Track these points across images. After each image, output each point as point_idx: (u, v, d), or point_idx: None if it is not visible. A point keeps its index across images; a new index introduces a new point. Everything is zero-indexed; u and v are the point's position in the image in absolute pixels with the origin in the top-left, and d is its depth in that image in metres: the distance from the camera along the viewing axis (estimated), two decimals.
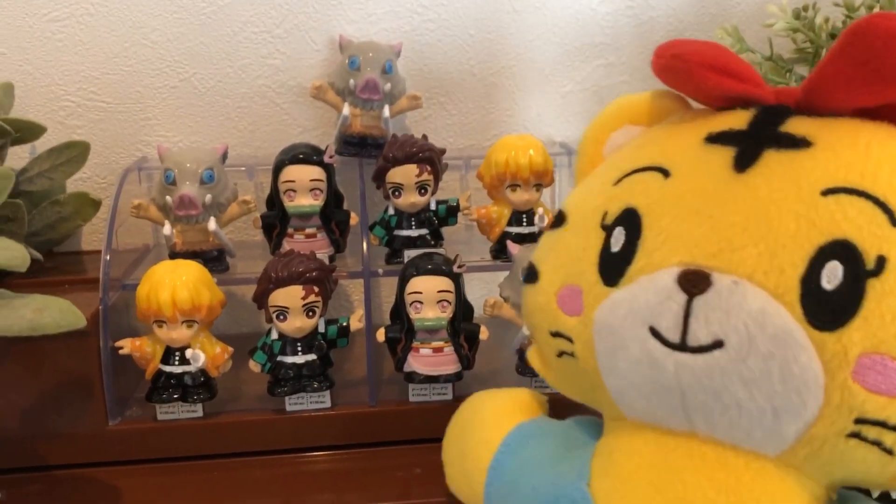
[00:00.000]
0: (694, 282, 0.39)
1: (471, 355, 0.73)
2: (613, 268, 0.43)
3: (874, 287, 0.37)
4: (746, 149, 0.41)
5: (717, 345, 0.38)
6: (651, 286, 0.40)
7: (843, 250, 0.37)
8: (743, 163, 0.41)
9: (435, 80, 0.89)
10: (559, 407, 0.57)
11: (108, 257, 0.71)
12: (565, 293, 0.45)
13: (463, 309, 0.72)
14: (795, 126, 0.42)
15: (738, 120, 0.44)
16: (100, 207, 0.80)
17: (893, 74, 0.38)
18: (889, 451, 0.39)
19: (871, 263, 0.37)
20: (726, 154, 0.42)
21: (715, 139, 0.43)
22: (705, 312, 0.39)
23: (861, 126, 0.41)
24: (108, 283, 0.70)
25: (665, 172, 0.43)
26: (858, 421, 0.38)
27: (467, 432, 0.57)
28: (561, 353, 0.47)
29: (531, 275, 0.49)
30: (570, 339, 0.45)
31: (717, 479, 0.41)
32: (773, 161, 0.40)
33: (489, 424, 0.55)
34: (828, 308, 0.37)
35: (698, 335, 0.39)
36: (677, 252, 0.40)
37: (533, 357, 0.52)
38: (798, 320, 0.37)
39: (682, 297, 0.39)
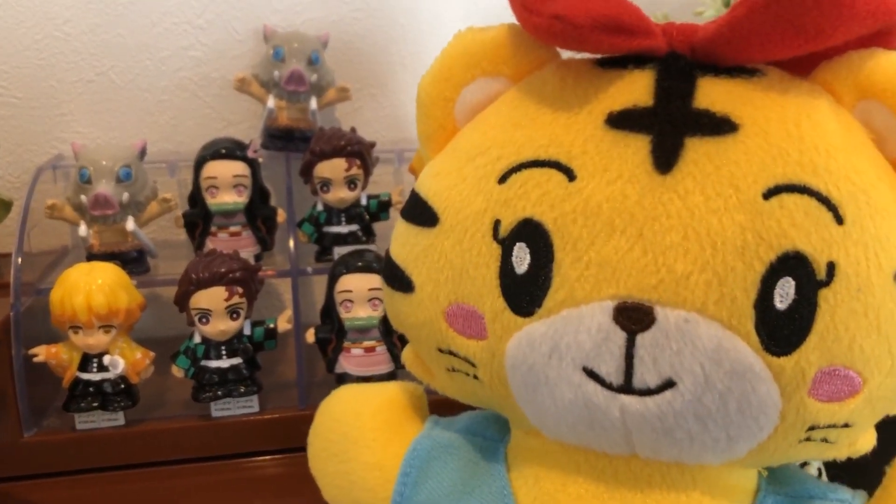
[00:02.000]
0: (634, 318, 0.34)
1: None
2: (523, 294, 0.37)
3: (826, 299, 0.34)
4: (663, 138, 0.36)
5: (668, 385, 0.35)
6: (581, 324, 0.35)
7: (794, 263, 0.34)
8: (664, 159, 0.35)
9: (365, 70, 0.87)
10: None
11: (19, 260, 0.68)
12: (457, 312, 0.40)
13: None
14: (709, 96, 0.37)
15: (638, 88, 0.37)
16: (11, 208, 0.76)
17: (818, 30, 0.35)
18: (831, 442, 0.38)
19: (821, 273, 0.34)
20: (640, 146, 0.36)
21: (619, 122, 0.37)
22: (652, 353, 0.35)
23: (783, 94, 0.37)
24: (20, 287, 0.67)
25: (567, 172, 0.37)
26: (811, 429, 0.37)
27: (348, 452, 0.49)
28: (454, 370, 0.42)
29: (403, 282, 0.42)
30: (470, 363, 0.40)
31: (667, 501, 0.40)
32: (698, 154, 0.35)
33: (374, 444, 0.48)
34: (784, 331, 0.34)
35: (645, 378, 0.35)
36: (608, 283, 0.35)
37: (412, 362, 0.47)
38: (755, 350, 0.34)
39: (621, 337, 0.35)
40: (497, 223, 0.38)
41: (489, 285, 0.38)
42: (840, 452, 0.41)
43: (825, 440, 0.38)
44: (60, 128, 0.83)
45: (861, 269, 0.35)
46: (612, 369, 0.35)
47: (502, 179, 0.38)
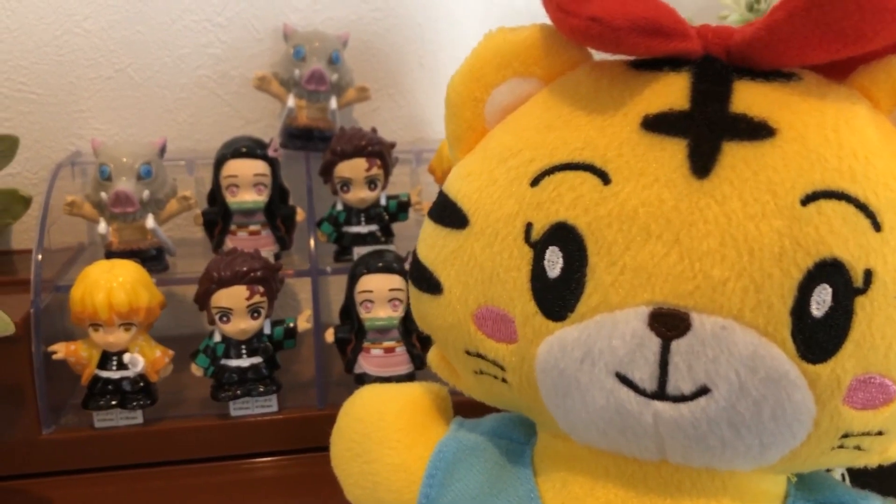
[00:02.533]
0: (670, 325, 0.34)
1: (423, 355, 0.70)
2: (556, 299, 0.36)
3: (863, 306, 0.34)
4: (700, 142, 0.35)
5: (702, 392, 0.35)
6: (615, 330, 0.35)
7: (831, 270, 0.34)
8: (701, 163, 0.35)
9: (383, 71, 0.87)
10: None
11: (39, 257, 0.68)
12: (486, 314, 0.39)
13: None
14: (746, 100, 0.36)
15: (674, 92, 0.37)
16: (30, 205, 0.76)
17: (858, 34, 0.34)
18: (864, 450, 0.38)
19: (858, 280, 0.34)
20: (676, 150, 0.36)
21: (655, 126, 0.36)
22: (687, 360, 0.34)
23: (821, 99, 0.37)
24: (40, 284, 0.67)
25: (602, 176, 0.36)
26: (844, 436, 0.37)
27: (371, 452, 0.48)
28: (482, 373, 0.42)
29: (428, 282, 0.42)
30: (499, 366, 0.40)
31: None
32: (736, 159, 0.35)
33: (399, 445, 0.47)
34: (819, 339, 0.34)
35: (680, 385, 0.35)
36: (644, 288, 0.35)
37: (438, 364, 0.46)
38: (791, 357, 0.34)
39: (656, 343, 0.34)
40: (529, 226, 0.37)
41: (520, 289, 0.37)
42: (871, 460, 0.40)
43: (858, 447, 0.38)
44: (79, 124, 0.83)
45: None
46: (645, 375, 0.35)
47: (535, 182, 0.38)
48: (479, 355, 0.41)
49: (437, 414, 0.50)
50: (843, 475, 0.57)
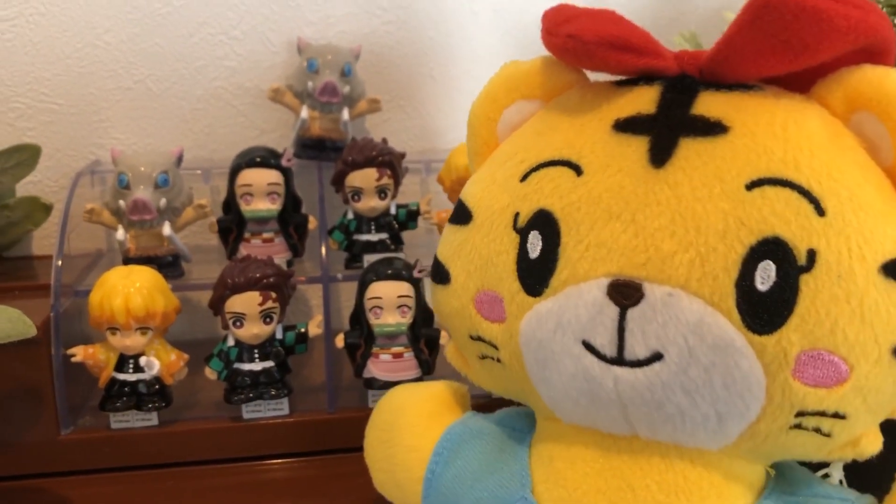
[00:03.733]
0: (625, 294, 0.38)
1: (431, 360, 0.72)
2: (534, 276, 0.41)
3: (807, 283, 0.36)
4: (660, 138, 0.40)
5: (656, 357, 0.38)
6: (580, 299, 0.39)
7: (774, 248, 0.36)
8: (659, 156, 0.39)
9: (394, 83, 0.89)
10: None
11: (59, 263, 0.69)
12: (483, 298, 0.44)
13: (423, 314, 0.72)
14: (707, 105, 0.40)
15: (644, 101, 0.42)
16: (51, 212, 0.78)
17: (803, 45, 0.37)
18: (827, 434, 0.39)
19: (802, 259, 0.36)
20: (639, 145, 0.40)
21: (624, 127, 0.41)
22: (641, 326, 0.38)
23: (774, 102, 0.40)
24: (60, 289, 0.69)
25: (576, 169, 0.41)
26: (799, 414, 0.38)
27: (393, 438, 0.54)
28: (484, 357, 0.46)
29: (442, 275, 0.47)
30: (493, 346, 0.44)
31: (666, 482, 0.42)
32: (690, 151, 0.39)
33: (415, 430, 0.52)
34: (764, 311, 0.37)
35: (635, 350, 0.38)
36: (603, 261, 0.39)
37: (452, 355, 0.51)
38: (737, 327, 0.37)
39: (614, 311, 0.38)
40: (517, 215, 0.42)
41: (508, 270, 0.42)
42: (843, 451, 0.41)
43: (819, 430, 0.39)
44: (98, 134, 0.85)
45: (843, 259, 0.36)
46: (605, 341, 0.38)
47: (523, 178, 0.43)
48: (479, 338, 0.45)
49: (454, 407, 0.55)
50: (840, 480, 0.58)
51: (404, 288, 0.70)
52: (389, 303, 0.69)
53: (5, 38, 0.81)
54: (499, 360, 0.45)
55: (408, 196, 0.80)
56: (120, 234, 0.72)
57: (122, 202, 0.71)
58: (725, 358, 0.37)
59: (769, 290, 0.37)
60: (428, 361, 0.72)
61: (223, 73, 0.86)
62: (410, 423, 0.53)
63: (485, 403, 0.51)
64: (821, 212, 0.37)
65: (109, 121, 0.85)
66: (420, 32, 0.87)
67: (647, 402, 0.39)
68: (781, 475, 0.45)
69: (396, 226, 0.78)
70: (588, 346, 0.39)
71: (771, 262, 0.37)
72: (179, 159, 0.75)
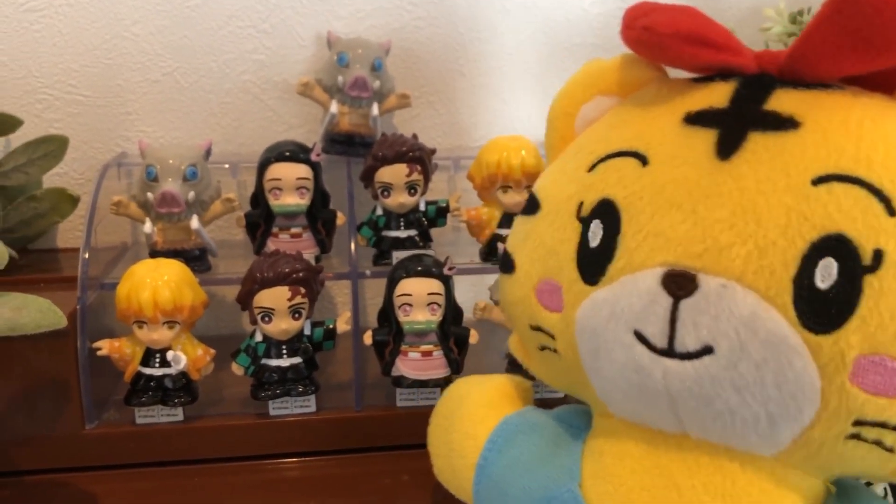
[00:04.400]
0: (679, 284, 0.37)
1: (460, 359, 0.71)
2: (593, 265, 0.40)
3: (871, 284, 0.35)
4: (729, 131, 0.39)
5: (707, 351, 0.37)
6: (634, 288, 0.38)
7: (837, 245, 0.35)
8: (726, 148, 0.38)
9: (424, 78, 0.88)
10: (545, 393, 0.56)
11: (86, 255, 0.69)
12: (544, 287, 0.44)
13: (453, 312, 0.71)
14: (781, 101, 0.39)
15: (718, 95, 0.41)
16: (77, 204, 0.77)
17: (883, 42, 0.36)
18: (889, 450, 0.38)
19: (867, 258, 0.35)
20: (707, 138, 0.39)
21: (694, 120, 0.40)
22: (693, 317, 0.37)
23: (853, 101, 0.39)
24: (87, 281, 0.68)
25: (642, 159, 0.41)
26: (858, 423, 0.37)
27: (453, 424, 0.54)
28: (543, 348, 0.45)
29: (507, 264, 0.47)
30: (551, 336, 0.44)
31: (713, 484, 0.41)
32: (758, 145, 0.38)
33: (474, 418, 0.53)
34: (823, 309, 0.35)
35: (686, 341, 0.37)
36: (660, 251, 0.38)
37: (515, 346, 0.51)
38: (791, 323, 0.35)
39: (667, 301, 0.37)
40: (581, 205, 0.42)
41: (568, 259, 0.42)
42: None
43: (880, 444, 0.37)
44: (125, 126, 0.84)
45: None
46: (657, 331, 0.37)
47: (591, 169, 0.43)
48: (539, 328, 0.45)
49: (515, 399, 0.55)
50: (885, 489, 0.57)
51: (434, 285, 0.69)
52: (419, 300, 0.68)
53: (34, 28, 0.81)
54: (556, 351, 0.44)
55: (435, 194, 0.79)
56: (147, 226, 0.72)
57: (149, 195, 0.71)
58: (778, 355, 0.35)
59: (829, 289, 0.35)
60: (457, 360, 0.70)
61: (252, 67, 0.85)
62: (470, 412, 0.53)
63: (549, 401, 0.53)
64: (892, 212, 0.35)
65: (136, 113, 0.84)
66: (451, 28, 0.86)
67: (695, 396, 0.38)
68: (841, 491, 0.43)
69: (425, 222, 0.76)
70: (639, 337, 0.38)
71: (833, 260, 0.35)
72: (208, 152, 0.74)
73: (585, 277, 0.41)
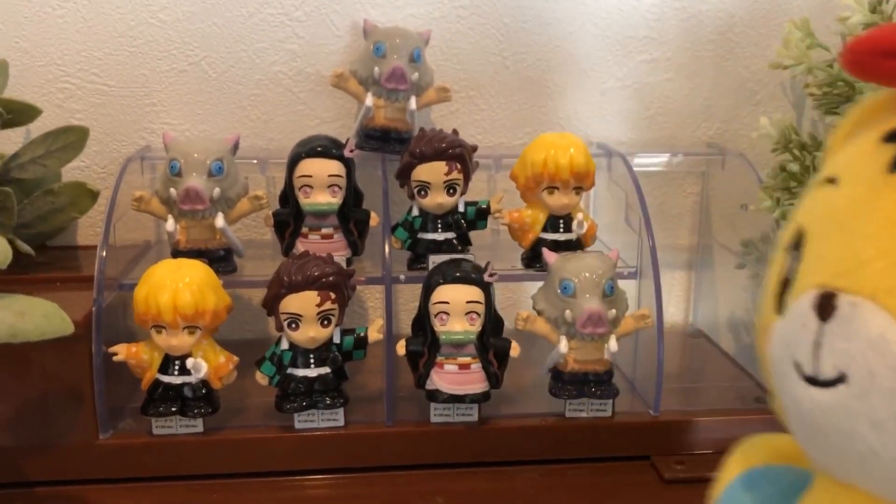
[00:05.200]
0: (823, 305, 0.33)
1: (500, 373, 0.66)
2: (780, 294, 0.38)
3: None
4: None
5: (841, 378, 0.32)
6: (794, 314, 0.35)
7: None
8: None
9: (464, 71, 0.83)
10: None
11: (104, 254, 0.65)
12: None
13: (493, 322, 0.66)
14: None
15: None
16: (97, 199, 0.73)
17: None
18: None
19: None
20: (889, 152, 0.35)
21: (889, 137, 0.37)
22: (830, 341, 0.33)
23: None
24: (103, 282, 0.64)
25: (835, 182, 0.38)
26: None
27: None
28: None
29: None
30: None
31: None
32: None
33: (729, 462, 0.48)
34: None
35: (825, 367, 0.33)
36: (815, 273, 0.35)
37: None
38: None
39: (814, 324, 0.33)
40: (790, 236, 0.39)
41: (772, 293, 0.39)
42: None
43: None
44: (150, 118, 0.81)
45: None
46: (805, 359, 0.34)
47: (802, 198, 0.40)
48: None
49: (777, 455, 0.48)
50: None
51: (474, 293, 0.64)
52: (457, 308, 0.64)
53: (56, 14, 0.77)
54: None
55: (474, 195, 0.74)
56: (170, 224, 0.67)
57: (172, 190, 0.66)
58: None
59: None
60: (497, 374, 0.66)
61: (283, 57, 0.81)
62: (732, 454, 0.48)
63: None
64: None
65: (162, 104, 0.81)
66: (494, 18, 0.81)
67: (838, 431, 0.33)
68: None
69: (464, 225, 0.71)
70: (796, 365, 0.35)
71: None
72: (235, 147, 0.70)
73: (776, 307, 0.38)
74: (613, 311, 0.65)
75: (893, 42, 0.35)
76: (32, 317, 0.44)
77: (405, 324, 0.82)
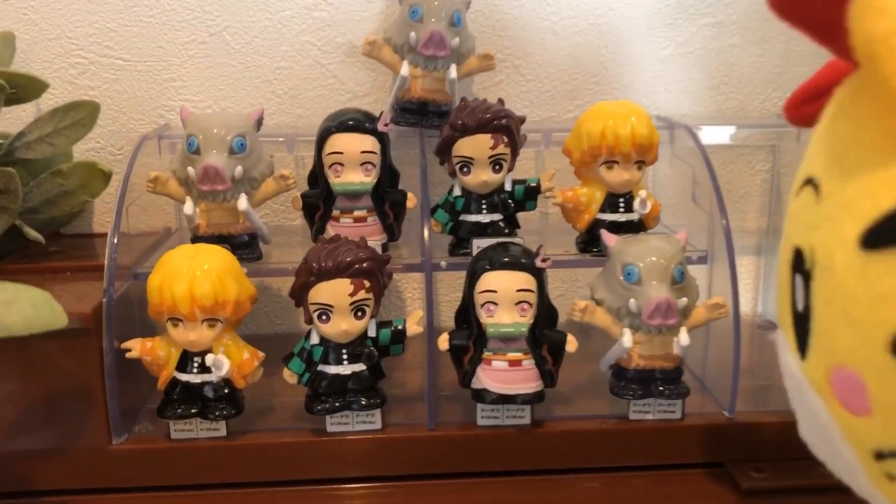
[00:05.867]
0: None
1: (554, 371, 0.59)
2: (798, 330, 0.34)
3: None
4: None
5: None
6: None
7: None
8: None
9: (508, 38, 0.76)
10: None
11: (115, 240, 0.59)
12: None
13: (546, 313, 0.59)
14: None
15: None
16: (110, 180, 0.68)
17: None
18: None
19: None
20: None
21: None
22: None
23: None
24: (115, 270, 0.58)
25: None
26: None
27: None
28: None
29: None
30: None
31: None
32: None
33: None
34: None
35: None
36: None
37: None
38: None
39: None
40: None
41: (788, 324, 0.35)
42: None
43: None
44: (168, 94, 0.75)
45: None
46: None
47: None
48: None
49: None
50: None
51: (525, 280, 0.58)
52: (506, 298, 0.57)
53: None
54: None
55: (520, 172, 0.67)
56: (188, 207, 0.62)
57: (190, 169, 0.60)
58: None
59: None
60: (551, 372, 0.59)
61: (311, 26, 0.75)
62: None
63: None
64: None
65: (181, 79, 0.75)
66: None
67: None
68: None
69: (512, 205, 0.65)
70: None
71: None
72: (259, 122, 0.64)
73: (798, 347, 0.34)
74: (684, 299, 0.57)
75: None
76: (20, 307, 0.38)
77: (445, 315, 0.76)
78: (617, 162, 0.62)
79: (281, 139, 0.71)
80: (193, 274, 0.54)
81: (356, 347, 0.58)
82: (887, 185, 0.27)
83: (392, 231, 0.66)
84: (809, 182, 0.32)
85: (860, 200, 0.28)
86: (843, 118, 0.32)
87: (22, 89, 0.64)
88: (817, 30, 0.30)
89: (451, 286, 0.79)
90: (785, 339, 0.35)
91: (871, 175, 0.28)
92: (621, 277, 0.58)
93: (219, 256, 0.57)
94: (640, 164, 0.63)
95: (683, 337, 0.58)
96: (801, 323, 0.32)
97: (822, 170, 0.31)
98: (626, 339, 0.58)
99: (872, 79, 0.27)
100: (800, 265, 0.32)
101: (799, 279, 0.32)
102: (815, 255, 0.30)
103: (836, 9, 0.27)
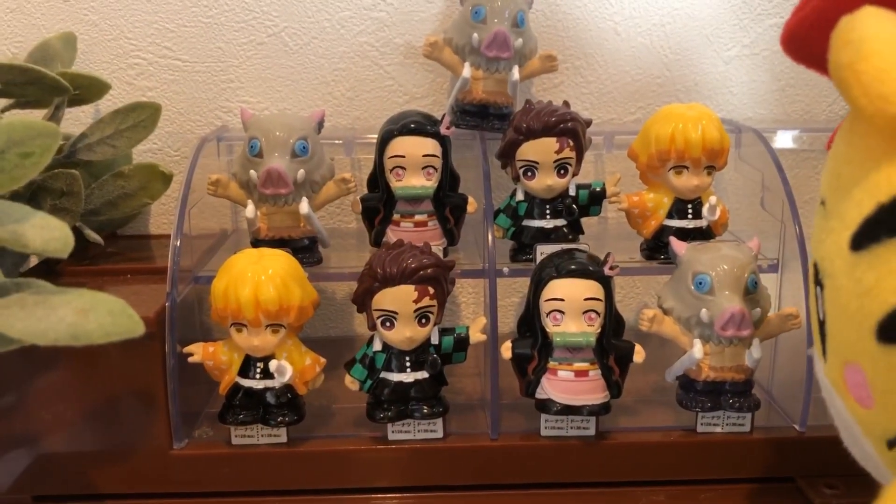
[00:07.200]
0: None
1: (621, 382, 0.58)
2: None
3: None
4: None
5: None
6: None
7: None
8: None
9: (570, 38, 0.75)
10: None
11: (178, 243, 0.59)
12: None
13: (614, 322, 0.57)
14: None
15: None
16: (170, 183, 0.67)
17: None
18: None
19: None
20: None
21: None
22: None
23: None
24: (178, 274, 0.58)
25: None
26: None
27: None
28: None
29: None
30: None
31: None
32: None
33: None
34: None
35: None
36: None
37: None
38: None
39: None
40: None
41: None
42: None
43: None
44: (227, 95, 0.75)
45: None
46: None
47: None
48: None
49: None
50: None
51: (593, 288, 0.56)
52: (573, 306, 0.56)
53: None
54: None
55: (581, 175, 0.65)
56: (249, 210, 0.61)
57: (252, 172, 0.60)
58: None
59: None
60: (619, 383, 0.58)
61: (370, 27, 0.74)
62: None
63: None
64: None
65: (239, 80, 0.75)
66: None
67: None
68: None
69: (576, 210, 0.63)
70: None
71: None
72: (320, 124, 0.63)
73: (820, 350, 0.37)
74: (757, 310, 0.56)
75: None
76: (97, 315, 0.38)
77: (503, 322, 0.75)
78: (686, 167, 0.60)
79: (339, 141, 0.70)
80: (258, 279, 0.53)
81: (419, 355, 0.57)
82: (869, 193, 0.31)
83: (452, 235, 0.65)
84: (822, 202, 0.36)
85: (850, 210, 0.32)
86: (840, 140, 0.35)
87: (85, 90, 0.64)
88: (822, 67, 0.35)
89: (506, 290, 0.77)
90: (816, 350, 0.37)
91: (858, 186, 0.32)
92: (692, 287, 0.56)
93: (283, 261, 0.56)
94: (710, 169, 0.61)
95: (756, 349, 0.56)
96: (822, 330, 0.36)
97: (826, 189, 0.35)
98: (697, 349, 0.56)
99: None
100: (817, 277, 0.35)
101: (818, 290, 0.35)
102: (823, 265, 0.34)
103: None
